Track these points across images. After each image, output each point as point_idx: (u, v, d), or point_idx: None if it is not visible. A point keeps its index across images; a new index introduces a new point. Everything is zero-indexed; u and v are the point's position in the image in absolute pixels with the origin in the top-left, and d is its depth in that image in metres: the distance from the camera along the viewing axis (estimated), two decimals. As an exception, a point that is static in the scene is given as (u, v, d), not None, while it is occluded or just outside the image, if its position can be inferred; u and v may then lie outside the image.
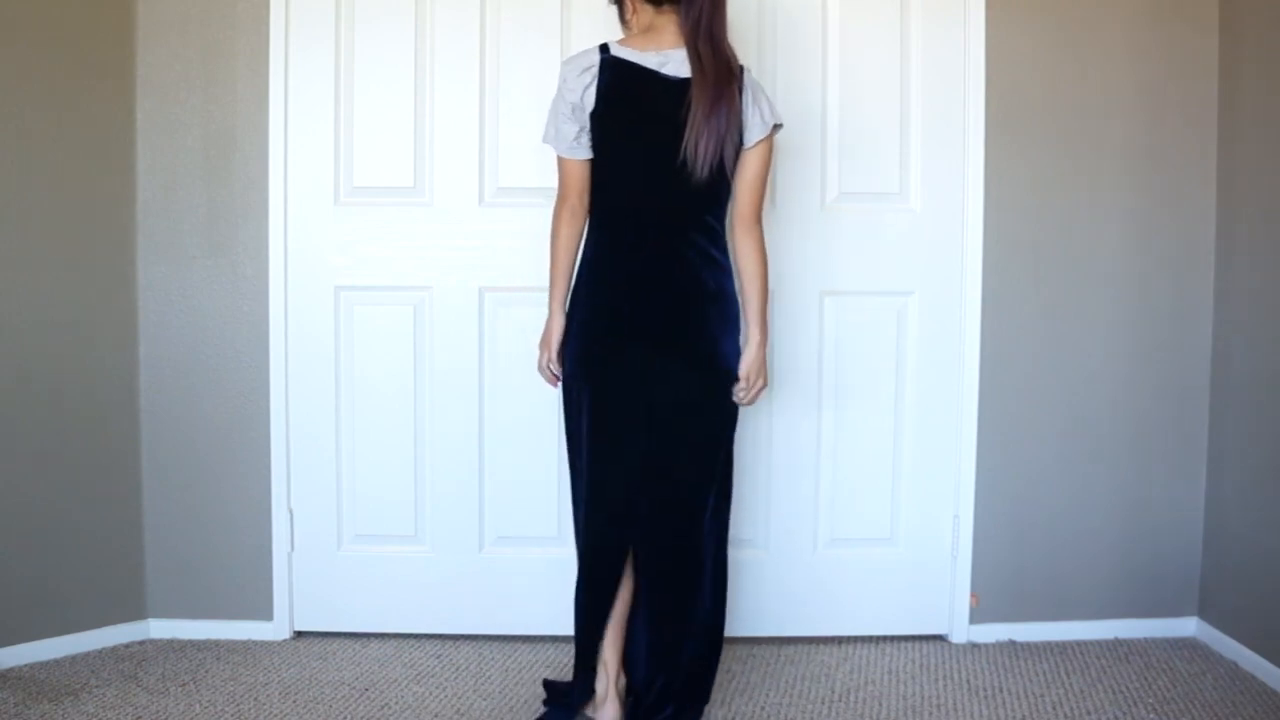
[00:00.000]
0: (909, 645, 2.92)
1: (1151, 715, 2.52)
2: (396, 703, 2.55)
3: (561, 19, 2.78)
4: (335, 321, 2.85)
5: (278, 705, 2.52)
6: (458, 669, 2.74)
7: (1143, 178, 2.89)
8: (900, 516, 2.93)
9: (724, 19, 2.25)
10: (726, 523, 2.39)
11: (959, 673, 2.75)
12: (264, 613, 2.89)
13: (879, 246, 2.87)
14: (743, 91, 2.25)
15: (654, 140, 2.23)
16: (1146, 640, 2.94)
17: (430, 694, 2.60)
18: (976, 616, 2.93)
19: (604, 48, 2.26)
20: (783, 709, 2.55)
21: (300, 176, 2.81)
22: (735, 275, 2.34)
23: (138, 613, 2.87)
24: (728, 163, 2.25)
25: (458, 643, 2.88)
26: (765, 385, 2.36)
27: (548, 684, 2.51)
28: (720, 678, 2.49)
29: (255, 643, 2.86)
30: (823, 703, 2.59)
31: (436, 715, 2.50)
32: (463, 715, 2.50)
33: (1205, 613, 2.95)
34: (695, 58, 2.21)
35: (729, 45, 2.26)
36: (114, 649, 2.81)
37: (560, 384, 2.39)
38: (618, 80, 2.23)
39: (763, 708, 2.55)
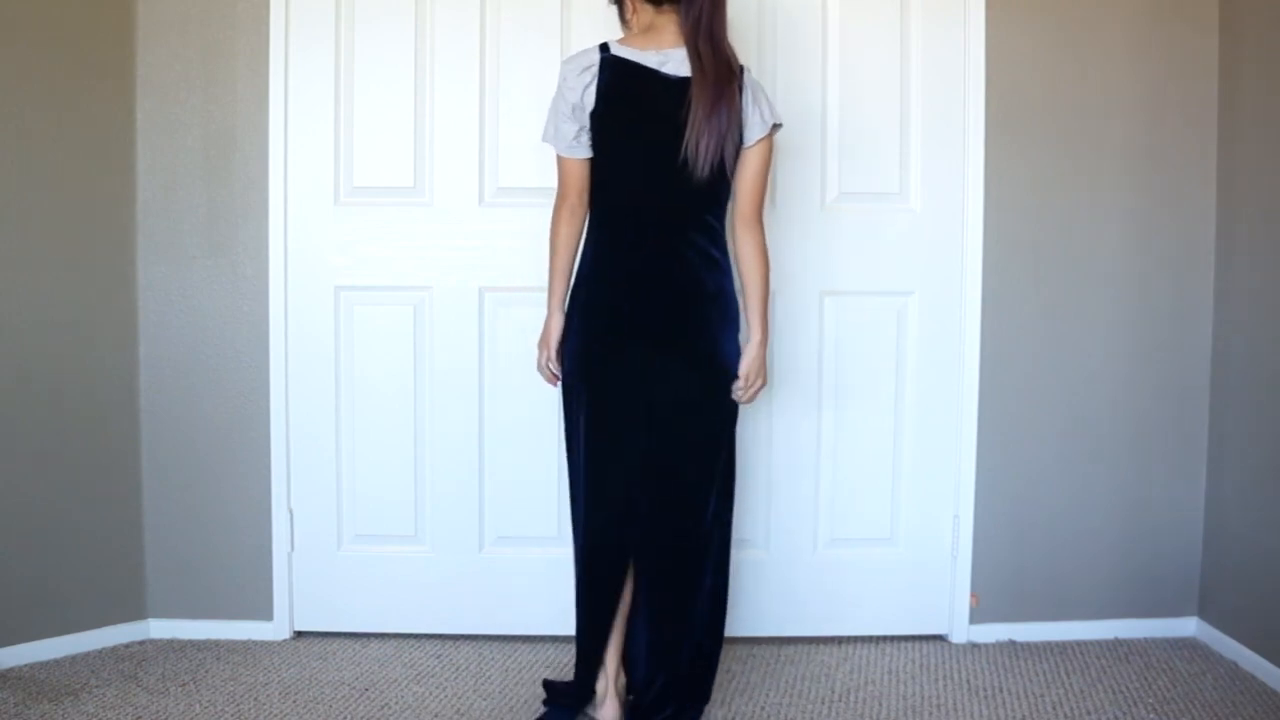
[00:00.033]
0: (909, 645, 2.92)
1: (1151, 715, 2.52)
2: (396, 703, 2.55)
3: (561, 19, 2.78)
4: (335, 321, 2.85)
5: (278, 705, 2.52)
6: (458, 669, 2.74)
7: (1143, 178, 2.89)
8: (900, 516, 2.93)
9: (724, 18, 2.25)
10: (729, 522, 2.39)
11: (959, 673, 2.75)
12: (264, 613, 2.89)
13: (879, 246, 2.87)
14: (743, 91, 2.25)
15: (654, 139, 2.23)
16: (1146, 640, 2.94)
17: (430, 694, 2.60)
18: (976, 616, 2.94)
19: (604, 47, 2.26)
20: (783, 709, 2.55)
21: (300, 176, 2.81)
22: (736, 274, 2.34)
23: (138, 613, 2.87)
24: (728, 162, 2.25)
25: (458, 643, 2.88)
26: (765, 384, 2.37)
27: (548, 684, 2.51)
28: (720, 678, 2.50)
29: (255, 643, 2.86)
30: (823, 703, 2.59)
31: (436, 715, 2.50)
32: (463, 715, 2.50)
33: (1205, 613, 2.95)
34: (695, 57, 2.21)
35: (729, 45, 2.26)
36: (114, 649, 2.81)
37: (559, 383, 2.39)
38: (618, 79, 2.23)
39: (763, 708, 2.55)
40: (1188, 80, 2.88)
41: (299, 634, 2.92)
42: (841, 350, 2.88)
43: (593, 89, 2.23)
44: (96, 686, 2.59)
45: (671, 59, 2.24)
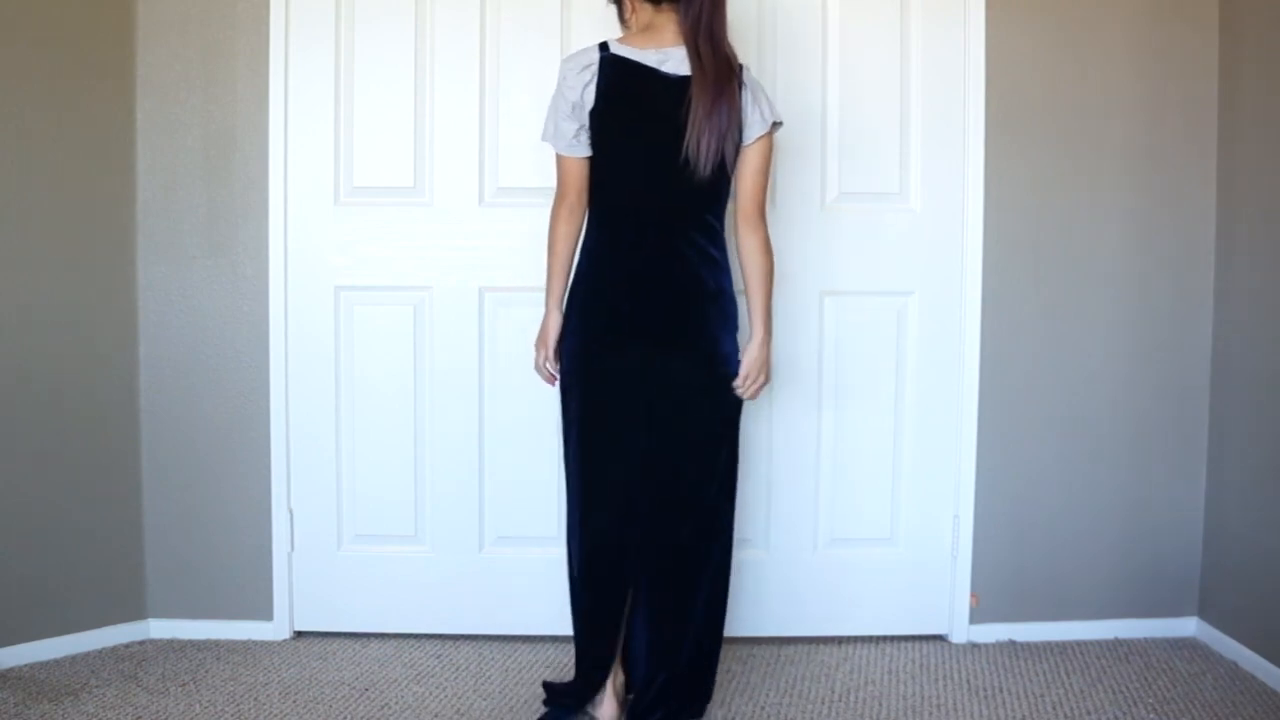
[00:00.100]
0: (909, 645, 2.92)
1: (1151, 715, 2.52)
2: (396, 703, 2.55)
3: (561, 19, 2.78)
4: (335, 321, 2.85)
5: (278, 705, 2.52)
6: (458, 669, 2.74)
7: (1143, 178, 2.89)
8: (900, 516, 2.93)
9: (723, 17, 2.25)
10: (730, 522, 2.39)
11: (959, 673, 2.75)
12: (264, 613, 2.89)
13: (879, 246, 2.87)
14: (742, 89, 2.25)
15: (654, 138, 2.23)
16: (1146, 640, 2.94)
17: (430, 694, 2.60)
18: (976, 616, 2.93)
19: (603, 46, 2.26)
20: (783, 709, 2.55)
21: (300, 176, 2.81)
22: (741, 271, 2.34)
23: (138, 613, 2.87)
24: (728, 161, 2.25)
25: (458, 643, 2.88)
26: (768, 381, 2.36)
27: (547, 685, 2.51)
28: (720, 678, 2.50)
29: (255, 643, 2.86)
30: (823, 703, 2.59)
31: (436, 715, 2.50)
32: (463, 715, 2.50)
33: (1205, 613, 2.95)
34: (695, 56, 2.21)
35: (729, 43, 2.26)
36: (114, 649, 2.81)
37: (558, 382, 2.39)
38: (617, 78, 2.24)
39: (763, 708, 2.55)
40: (1188, 80, 2.88)
41: (299, 634, 2.92)
42: (841, 350, 2.88)
43: (592, 88, 2.23)
44: (96, 686, 2.59)
45: (671, 58, 2.24)
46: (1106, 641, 2.94)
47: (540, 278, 2.39)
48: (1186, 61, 2.87)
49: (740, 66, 2.28)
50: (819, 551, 2.92)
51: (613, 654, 2.37)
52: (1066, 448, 2.93)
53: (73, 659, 2.74)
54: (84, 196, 2.74)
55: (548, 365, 2.38)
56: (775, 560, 2.91)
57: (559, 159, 2.30)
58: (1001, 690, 2.65)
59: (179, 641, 2.87)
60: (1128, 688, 2.66)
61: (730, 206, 2.34)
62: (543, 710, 2.46)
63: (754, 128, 2.27)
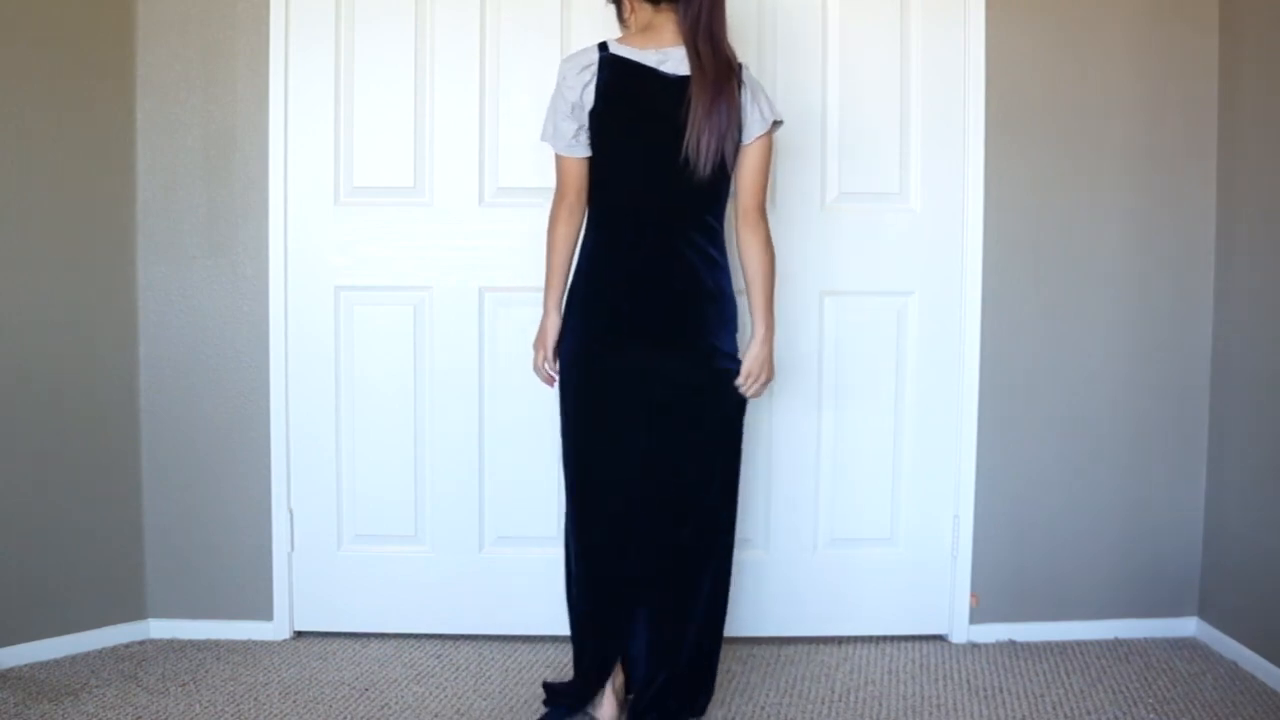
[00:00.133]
0: (909, 645, 2.92)
1: (1151, 715, 2.52)
2: (396, 703, 2.55)
3: (561, 19, 2.78)
4: (335, 321, 2.85)
5: (278, 705, 2.52)
6: (458, 669, 2.74)
7: (1143, 178, 2.89)
8: (900, 516, 2.93)
9: (723, 16, 2.25)
10: (732, 522, 2.39)
11: (959, 673, 2.75)
12: (264, 613, 2.89)
13: (879, 246, 2.87)
14: (742, 88, 2.25)
15: (653, 138, 2.23)
16: (1146, 640, 2.94)
17: (430, 694, 2.60)
18: (976, 616, 2.93)
19: (603, 46, 2.26)
20: (782, 709, 2.55)
21: (300, 176, 2.81)
22: (742, 270, 2.34)
23: (138, 613, 2.87)
24: (728, 160, 2.25)
25: (458, 643, 2.88)
26: (771, 378, 2.36)
27: (547, 686, 2.51)
28: (720, 678, 2.50)
29: (255, 643, 2.86)
30: (823, 703, 2.59)
31: (436, 715, 2.50)
32: (463, 715, 2.50)
33: (1205, 613, 2.95)
34: (694, 56, 2.21)
35: (728, 43, 2.26)
36: (114, 649, 2.81)
37: (557, 383, 2.39)
38: (617, 78, 2.23)
39: (762, 708, 2.55)
40: (1188, 80, 2.88)
41: (299, 634, 2.92)
42: (841, 350, 2.88)
43: (592, 88, 2.23)
44: (96, 686, 2.59)
45: (670, 57, 2.24)
46: (1106, 641, 2.94)
47: (540, 278, 2.38)
48: (1186, 61, 2.87)
49: (740, 66, 2.28)
50: (819, 551, 2.92)
51: (612, 655, 2.37)
52: (1066, 448, 2.93)
53: (73, 659, 2.74)
54: (84, 196, 2.74)
55: (546, 366, 2.38)
56: (775, 560, 2.91)
57: (558, 159, 2.30)
58: (1001, 690, 2.65)
59: (179, 641, 2.87)
60: (1128, 688, 2.66)
61: (731, 206, 2.34)
62: (543, 710, 2.46)
63: (754, 127, 2.27)
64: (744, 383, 2.33)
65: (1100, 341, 2.92)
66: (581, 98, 2.24)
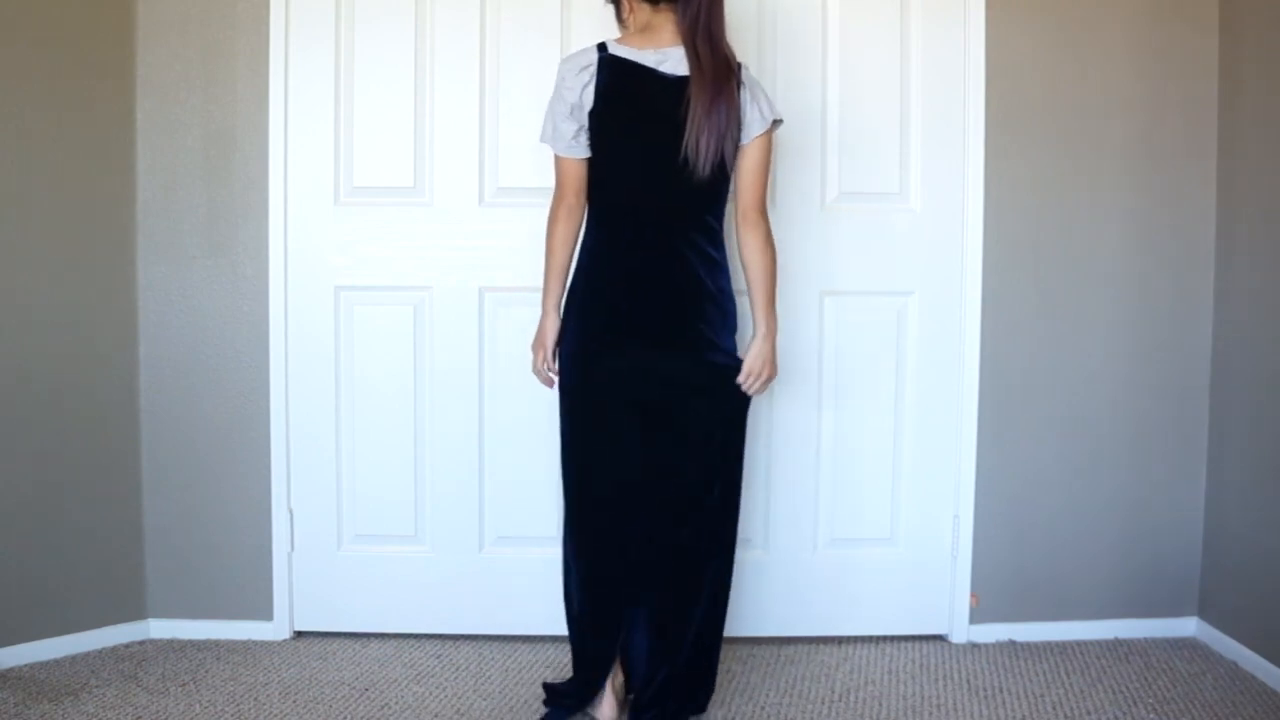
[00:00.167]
0: (909, 645, 2.92)
1: (1151, 715, 2.52)
2: (396, 703, 2.55)
3: (561, 19, 2.78)
4: (335, 321, 2.85)
5: (278, 705, 2.52)
6: (458, 669, 2.74)
7: (1143, 178, 2.89)
8: (900, 516, 2.93)
9: (721, 16, 2.25)
10: (733, 522, 2.39)
11: (959, 673, 2.75)
12: (264, 613, 2.89)
13: (879, 246, 2.87)
14: (741, 88, 2.25)
15: (653, 138, 2.23)
16: (1146, 640, 2.94)
17: (430, 694, 2.60)
18: (976, 616, 2.93)
19: (602, 46, 2.26)
20: (783, 709, 2.55)
21: (300, 176, 2.81)
22: (743, 268, 2.34)
23: (138, 613, 2.87)
24: (728, 160, 2.25)
25: (458, 643, 2.88)
26: (773, 376, 2.36)
27: (547, 686, 2.51)
28: (720, 678, 2.50)
29: (255, 643, 2.86)
30: (823, 703, 2.59)
31: (436, 715, 2.50)
32: (463, 715, 2.50)
33: (1205, 613, 2.95)
34: (694, 55, 2.21)
35: (727, 43, 2.26)
36: (114, 649, 2.81)
37: (557, 383, 2.38)
38: (616, 79, 2.23)
39: (762, 708, 2.55)
40: (1188, 80, 2.88)
41: (299, 634, 2.92)
42: (841, 350, 2.88)
43: (591, 88, 2.23)
44: (96, 686, 2.59)
45: (670, 58, 2.24)
46: (1106, 641, 2.94)
47: (540, 278, 2.38)
48: (1186, 61, 2.87)
49: (739, 65, 2.28)
50: (819, 551, 2.92)
51: (612, 655, 2.37)
52: (1066, 448, 2.92)
53: (73, 659, 2.74)
54: (84, 196, 2.74)
55: (546, 368, 2.38)
56: (775, 560, 2.91)
57: (557, 160, 2.30)
58: (1001, 690, 2.65)
59: (179, 641, 2.87)
60: (1128, 688, 2.66)
61: (731, 205, 2.34)
62: (543, 710, 2.46)
63: (753, 126, 2.27)
64: (746, 380, 2.33)
65: (1100, 341, 2.92)
66: (581, 98, 2.24)
